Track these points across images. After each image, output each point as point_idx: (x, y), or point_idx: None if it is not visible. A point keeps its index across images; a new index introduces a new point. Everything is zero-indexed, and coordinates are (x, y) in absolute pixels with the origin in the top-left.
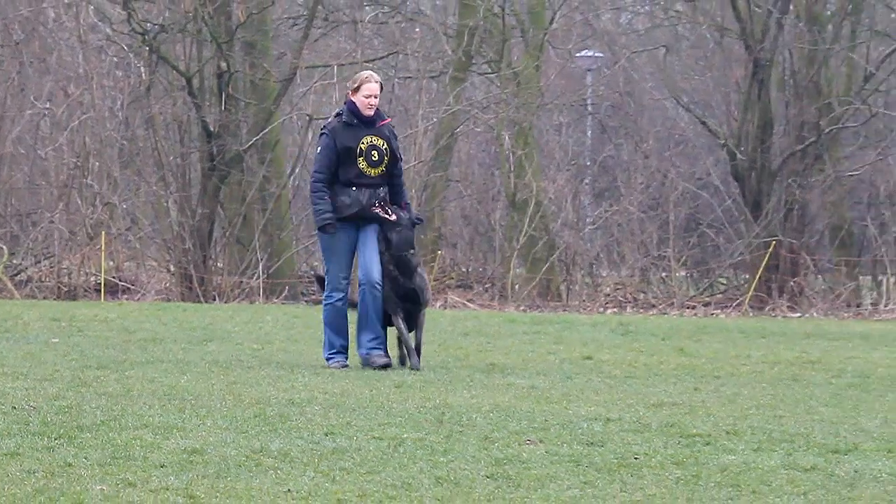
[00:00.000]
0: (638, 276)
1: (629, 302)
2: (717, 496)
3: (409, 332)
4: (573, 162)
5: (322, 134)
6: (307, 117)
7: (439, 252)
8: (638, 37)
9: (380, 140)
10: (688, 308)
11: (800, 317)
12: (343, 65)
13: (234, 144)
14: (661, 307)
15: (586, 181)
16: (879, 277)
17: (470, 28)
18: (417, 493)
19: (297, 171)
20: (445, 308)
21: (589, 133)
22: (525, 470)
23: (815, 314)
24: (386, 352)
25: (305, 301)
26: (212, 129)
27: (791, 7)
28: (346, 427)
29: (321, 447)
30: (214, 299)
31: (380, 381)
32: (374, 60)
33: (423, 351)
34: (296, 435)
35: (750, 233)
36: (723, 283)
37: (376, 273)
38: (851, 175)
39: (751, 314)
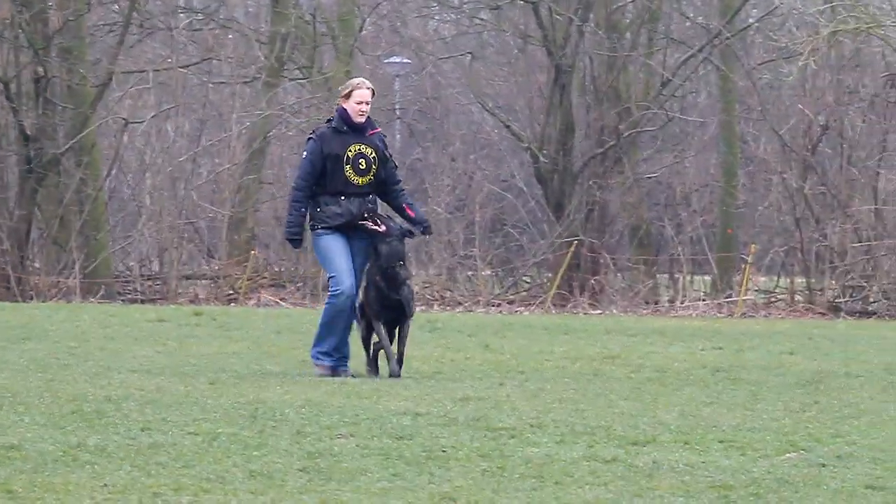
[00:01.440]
0: (445, 275)
1: (437, 300)
2: (522, 487)
3: (392, 341)
4: None
5: (309, 139)
6: (123, 121)
7: (252, 252)
8: (444, 43)
9: (368, 148)
10: (493, 306)
11: (600, 314)
12: (158, 70)
13: (52, 148)
14: (467, 305)
15: None
16: (676, 275)
17: (282, 35)
18: (231, 486)
19: (112, 173)
20: (259, 306)
21: (398, 137)
22: (336, 463)
23: (614, 311)
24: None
25: (122, 301)
26: (29, 132)
27: (591, 15)
28: (162, 423)
29: (137, 442)
30: (32, 298)
31: (194, 378)
32: (188, 66)
33: (404, 360)
34: (112, 430)
35: (552, 233)
36: (527, 282)
37: (350, 282)
38: (649, 177)
39: (553, 311)
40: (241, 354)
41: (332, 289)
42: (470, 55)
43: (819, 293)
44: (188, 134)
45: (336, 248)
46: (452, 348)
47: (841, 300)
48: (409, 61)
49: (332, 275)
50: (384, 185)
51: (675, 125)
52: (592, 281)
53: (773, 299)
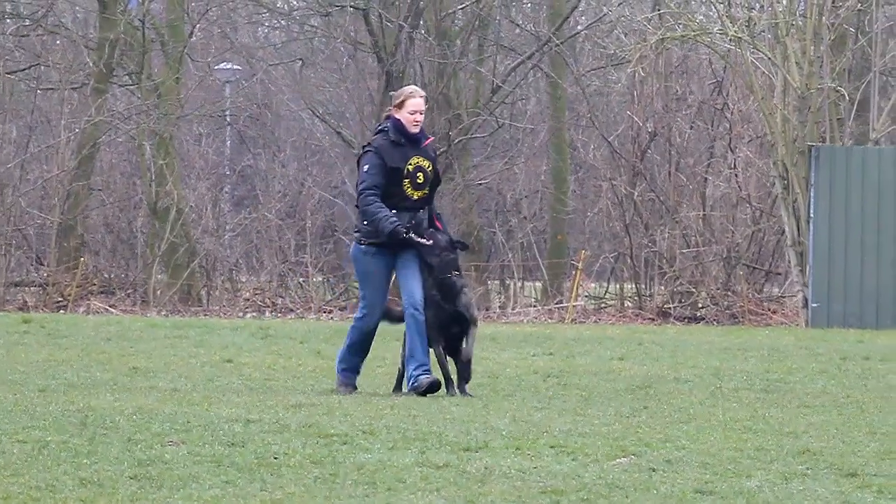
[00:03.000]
0: (276, 282)
1: (268, 306)
2: (354, 494)
3: (454, 354)
4: (213, 171)
5: (367, 151)
6: None
7: (82, 259)
8: (275, 50)
9: (425, 161)
10: (324, 312)
11: None
12: None
13: None
14: (298, 311)
15: (226, 189)
16: (507, 282)
17: (111, 41)
18: (62, 494)
19: None
20: (88, 314)
21: (228, 143)
22: (168, 470)
23: None
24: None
25: None
26: None
27: (421, 22)
28: None
29: None
30: None
31: (23, 386)
32: (15, 72)
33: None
34: None
35: None
36: (357, 288)
37: (418, 295)
38: (480, 184)
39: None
40: (70, 362)
41: (361, 311)
42: (300, 62)
43: (648, 299)
44: (16, 140)
45: (377, 274)
46: (284, 355)
47: (670, 306)
48: (239, 68)
49: (364, 300)
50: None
51: (506, 132)
52: None
53: (603, 305)
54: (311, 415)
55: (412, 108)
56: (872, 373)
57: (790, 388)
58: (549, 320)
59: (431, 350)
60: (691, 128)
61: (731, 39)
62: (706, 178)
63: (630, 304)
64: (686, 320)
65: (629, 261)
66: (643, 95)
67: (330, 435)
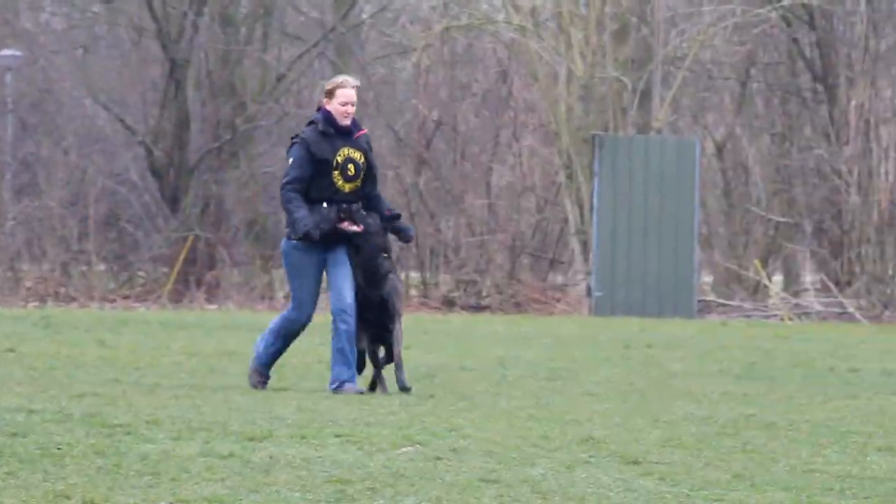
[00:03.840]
0: (59, 270)
1: (51, 295)
2: (138, 484)
3: (381, 346)
4: None
5: (293, 143)
6: None
7: None
8: (56, 36)
9: (357, 153)
10: (108, 301)
11: (217, 309)
12: None
13: None
14: (82, 300)
15: (7, 177)
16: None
17: None
18: None
19: None
20: None
21: (10, 130)
22: None
23: (231, 306)
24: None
25: None
26: None
27: (206, 9)
28: None
29: None
30: None
31: None
32: None
33: (404, 365)
34: None
35: (168, 227)
36: (142, 277)
37: (349, 297)
38: (265, 172)
39: (170, 307)
40: None
41: (292, 309)
42: (83, 48)
43: (434, 287)
44: None
45: (307, 270)
46: (67, 344)
47: (455, 294)
48: (20, 54)
49: (295, 297)
50: (367, 190)
51: (291, 120)
52: (209, 276)
53: None
54: (94, 405)
55: (343, 98)
56: (655, 361)
57: (574, 376)
58: None
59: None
60: (476, 116)
61: (515, 29)
62: (491, 167)
63: (415, 293)
64: (471, 309)
65: (414, 249)
66: (428, 84)
67: (113, 425)
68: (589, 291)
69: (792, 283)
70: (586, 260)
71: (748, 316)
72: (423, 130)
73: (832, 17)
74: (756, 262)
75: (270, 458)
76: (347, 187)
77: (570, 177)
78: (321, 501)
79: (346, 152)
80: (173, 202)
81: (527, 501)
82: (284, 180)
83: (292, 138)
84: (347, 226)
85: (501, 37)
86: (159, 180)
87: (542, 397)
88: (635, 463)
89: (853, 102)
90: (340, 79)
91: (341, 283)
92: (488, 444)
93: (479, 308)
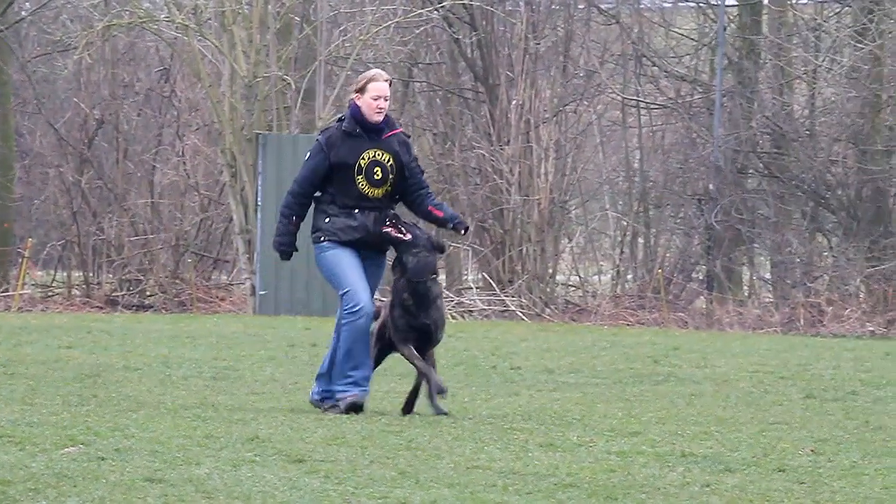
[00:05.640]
0: None
1: None
2: None
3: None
4: None
5: (316, 141)
6: None
7: None
8: None
9: (385, 154)
10: None
11: None
12: None
13: None
14: None
15: None
16: None
17: None
18: None
19: None
20: None
21: None
22: None
23: None
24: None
25: None
26: None
27: None
28: None
29: None
30: None
31: None
32: None
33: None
34: None
35: None
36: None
37: (365, 295)
38: None
39: None
40: None
41: (348, 306)
42: None
43: (97, 287)
44: None
45: (347, 261)
46: None
47: (118, 294)
48: None
49: (346, 290)
50: (406, 191)
51: None
52: None
53: (50, 293)
54: None
55: (375, 92)
56: (319, 359)
57: (239, 375)
58: None
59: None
60: (139, 115)
61: (177, 27)
62: (154, 166)
63: (78, 293)
64: (135, 308)
65: (77, 249)
66: (90, 82)
67: None
68: (253, 290)
69: (455, 281)
70: (251, 259)
71: None
72: (84, 129)
73: (492, 18)
74: None
75: None
76: (375, 193)
77: (234, 176)
78: None
79: (370, 154)
80: None
81: (192, 501)
82: (292, 185)
83: (319, 133)
84: (393, 232)
85: (164, 35)
86: None
87: (207, 396)
88: (300, 461)
89: (514, 103)
90: (372, 72)
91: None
92: (153, 444)
93: (142, 307)
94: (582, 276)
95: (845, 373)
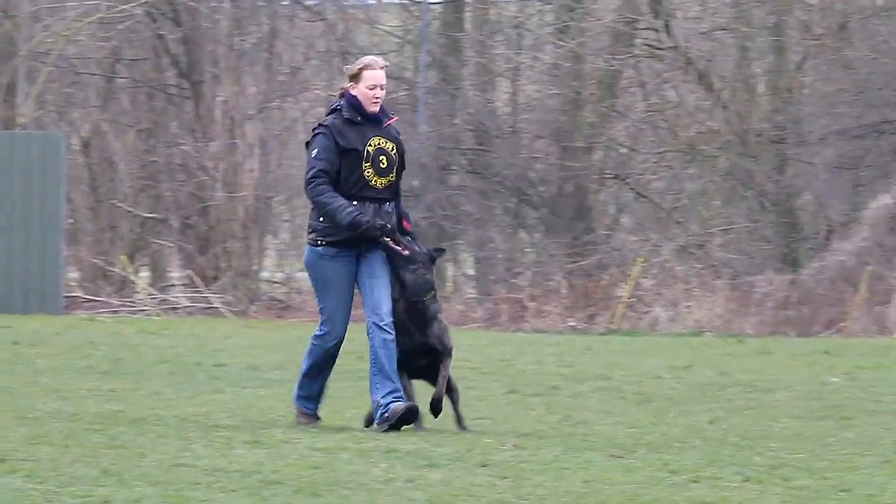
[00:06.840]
0: None
1: None
2: None
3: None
4: None
5: (316, 133)
6: None
7: None
8: None
9: (389, 143)
10: None
11: None
12: None
13: None
14: None
15: None
16: None
17: None
18: None
19: None
20: None
21: None
22: None
23: None
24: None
25: None
26: None
27: None
28: None
29: None
30: None
31: None
32: None
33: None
34: None
35: None
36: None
37: (385, 308)
38: None
39: None
40: None
41: (321, 328)
42: None
43: None
44: None
45: (337, 283)
46: None
47: None
48: None
49: (324, 313)
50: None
51: None
52: None
53: None
54: None
55: (371, 81)
56: (21, 358)
57: None
58: None
59: None
60: None
61: None
62: None
63: None
64: None
65: None
66: None
67: None
68: None
69: (159, 278)
70: None
71: (116, 312)
72: None
73: (197, 14)
74: (123, 257)
75: None
76: (380, 182)
77: None
78: None
79: (376, 142)
80: None
81: None
82: (309, 174)
83: (314, 129)
84: (392, 245)
85: None
86: None
87: None
88: (1, 461)
89: (219, 99)
90: (367, 59)
91: (377, 294)
92: None
93: None
94: (287, 272)
95: (547, 368)
